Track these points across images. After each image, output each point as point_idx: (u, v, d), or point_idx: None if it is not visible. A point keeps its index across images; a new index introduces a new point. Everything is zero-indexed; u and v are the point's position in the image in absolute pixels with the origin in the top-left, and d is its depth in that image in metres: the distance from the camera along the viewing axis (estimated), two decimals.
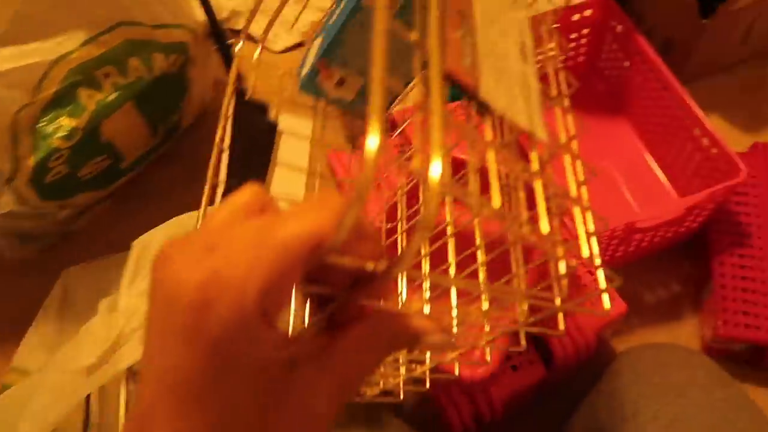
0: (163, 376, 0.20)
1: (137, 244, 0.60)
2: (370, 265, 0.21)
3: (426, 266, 0.43)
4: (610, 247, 0.67)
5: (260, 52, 0.43)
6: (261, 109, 0.42)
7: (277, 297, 0.20)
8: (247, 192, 0.23)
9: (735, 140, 0.82)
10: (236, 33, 1.09)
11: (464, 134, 0.25)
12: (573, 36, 0.81)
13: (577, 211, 0.31)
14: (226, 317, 0.19)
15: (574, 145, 0.33)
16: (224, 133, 0.37)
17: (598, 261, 0.31)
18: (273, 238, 0.20)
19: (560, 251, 0.29)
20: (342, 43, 0.38)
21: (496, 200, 0.26)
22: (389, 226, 0.52)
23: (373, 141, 0.18)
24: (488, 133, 0.27)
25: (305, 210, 0.20)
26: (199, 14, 0.81)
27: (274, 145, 0.40)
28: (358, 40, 0.38)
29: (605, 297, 0.31)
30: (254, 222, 0.21)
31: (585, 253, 0.32)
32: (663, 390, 0.50)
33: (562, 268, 0.31)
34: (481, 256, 0.36)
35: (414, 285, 0.45)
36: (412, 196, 0.51)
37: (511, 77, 0.27)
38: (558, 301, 0.30)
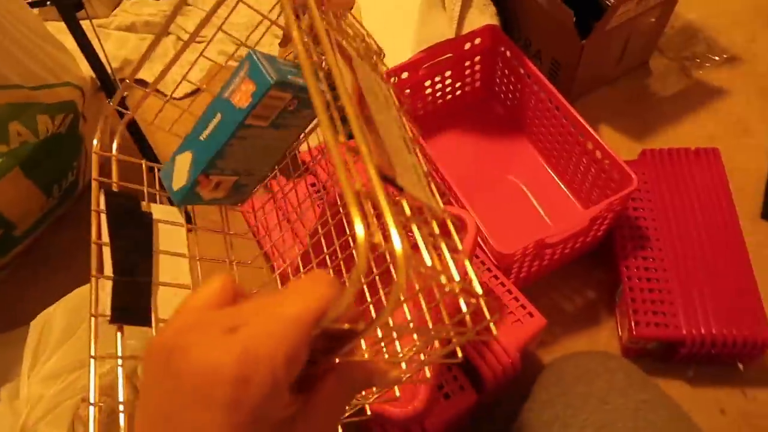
0: None
1: (36, 323, 0.56)
2: (346, 327, 0.25)
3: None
4: (525, 264, 0.69)
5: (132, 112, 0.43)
6: (132, 200, 0.42)
7: (296, 364, 0.24)
8: (219, 280, 0.26)
9: (627, 148, 0.88)
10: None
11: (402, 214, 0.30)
12: (467, 63, 0.84)
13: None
14: (263, 387, 0.22)
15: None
16: (99, 229, 0.37)
17: (482, 299, 0.36)
18: (287, 315, 0.23)
19: (457, 288, 0.34)
20: (223, 156, 0.41)
21: (427, 260, 0.32)
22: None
23: (360, 229, 0.21)
24: (407, 208, 0.33)
25: (304, 289, 0.24)
26: (87, 69, 0.78)
27: (153, 234, 0.41)
28: (238, 150, 0.41)
29: (492, 326, 0.35)
30: (263, 301, 0.25)
31: (479, 290, 0.36)
32: (586, 399, 0.52)
33: (464, 306, 0.35)
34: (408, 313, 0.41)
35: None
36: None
37: (408, 166, 0.33)
38: (452, 333, 0.34)
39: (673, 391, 0.65)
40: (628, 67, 0.95)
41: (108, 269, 0.36)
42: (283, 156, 0.49)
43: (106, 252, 0.37)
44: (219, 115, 0.40)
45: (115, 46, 1.09)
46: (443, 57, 0.81)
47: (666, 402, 0.53)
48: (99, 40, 0.80)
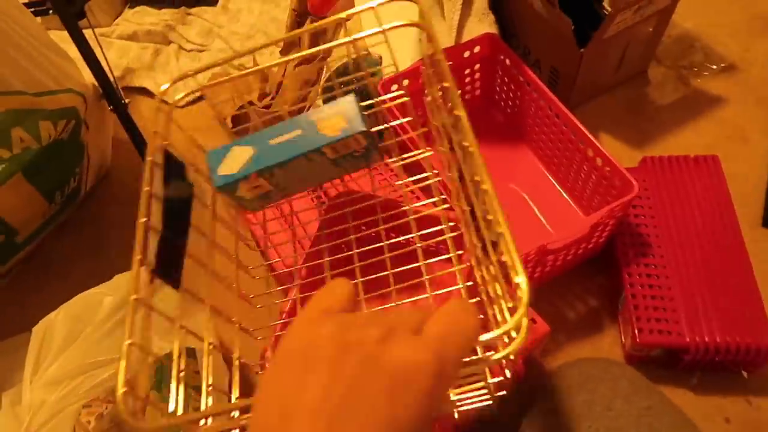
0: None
1: (38, 329, 0.56)
2: None
3: None
4: (527, 270, 0.69)
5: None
6: (183, 165, 0.44)
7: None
8: (347, 285, 0.32)
9: (626, 156, 0.88)
10: (132, 90, 1.07)
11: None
12: (467, 72, 0.85)
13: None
14: (449, 382, 0.28)
15: None
16: (152, 178, 0.39)
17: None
18: (471, 329, 0.29)
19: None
20: (283, 167, 0.44)
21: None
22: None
23: (522, 281, 0.29)
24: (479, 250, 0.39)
25: (468, 312, 0.30)
26: (89, 76, 0.78)
27: (191, 204, 0.43)
28: (297, 168, 0.45)
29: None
30: (426, 311, 0.30)
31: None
32: (590, 406, 0.51)
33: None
34: None
35: None
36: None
37: None
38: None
39: (677, 398, 0.65)
40: (626, 76, 0.95)
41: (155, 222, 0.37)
42: (313, 188, 0.52)
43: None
44: (299, 132, 0.43)
45: (117, 55, 1.10)
46: None
47: (670, 409, 0.52)
48: (101, 48, 0.80)
